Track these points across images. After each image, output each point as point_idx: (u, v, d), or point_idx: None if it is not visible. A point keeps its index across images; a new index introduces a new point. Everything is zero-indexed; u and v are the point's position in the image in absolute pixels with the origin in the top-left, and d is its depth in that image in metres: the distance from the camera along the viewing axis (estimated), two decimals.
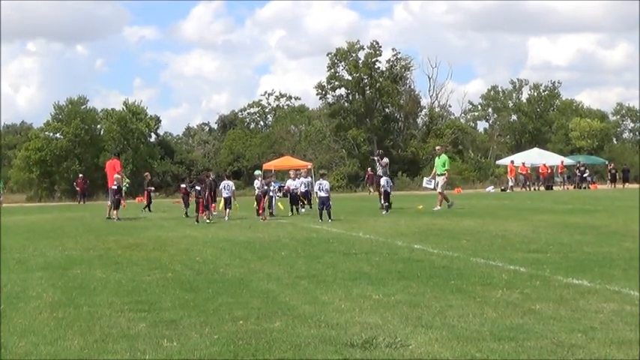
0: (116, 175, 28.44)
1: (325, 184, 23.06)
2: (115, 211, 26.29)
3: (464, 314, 7.44)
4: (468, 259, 11.70)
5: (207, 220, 23.09)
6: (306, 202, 28.54)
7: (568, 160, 66.47)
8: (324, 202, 22.34)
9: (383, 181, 26.70)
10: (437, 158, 27.97)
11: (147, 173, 39.92)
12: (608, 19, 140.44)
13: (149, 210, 33.16)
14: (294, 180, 29.27)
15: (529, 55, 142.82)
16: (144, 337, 6.83)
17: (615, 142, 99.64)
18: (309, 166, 62.32)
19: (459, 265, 11.15)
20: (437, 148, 30.33)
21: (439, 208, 26.21)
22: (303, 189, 28.48)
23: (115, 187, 27.05)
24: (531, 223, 18.93)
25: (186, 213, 26.88)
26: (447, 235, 16.22)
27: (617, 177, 61.14)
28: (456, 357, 5.95)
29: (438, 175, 27.36)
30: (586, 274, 9.77)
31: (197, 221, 22.67)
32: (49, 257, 13.77)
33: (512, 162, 57.94)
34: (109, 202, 26.76)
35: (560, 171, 61.21)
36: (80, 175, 57.13)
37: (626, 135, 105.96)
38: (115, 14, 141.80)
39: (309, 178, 30.84)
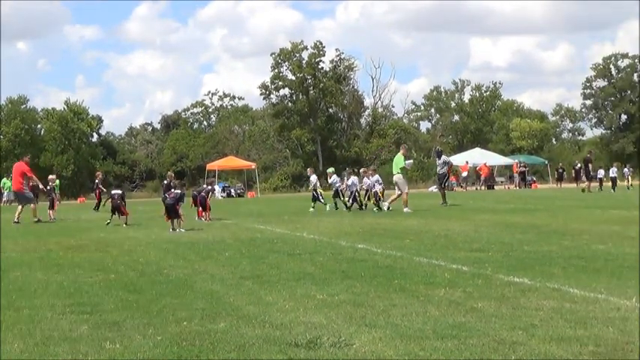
0: (51, 176, 28.20)
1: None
2: (50, 211, 26.22)
3: (407, 313, 7.49)
4: (411, 259, 11.78)
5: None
6: None
7: (508, 160, 67.37)
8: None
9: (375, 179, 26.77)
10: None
11: (98, 172, 39.50)
12: (549, 20, 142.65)
13: (97, 209, 32.91)
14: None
15: (471, 55, 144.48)
16: (86, 340, 6.75)
17: (554, 142, 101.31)
18: (253, 166, 62.35)
19: (403, 264, 11.22)
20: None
21: (387, 204, 26.03)
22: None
23: (49, 188, 26.85)
24: (473, 222, 19.14)
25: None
26: (391, 234, 16.32)
27: (564, 176, 62.00)
28: (399, 355, 5.99)
29: (395, 174, 26.87)
30: (527, 272, 9.90)
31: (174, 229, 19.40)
32: None
33: (466, 162, 58.61)
34: (20, 207, 25.58)
35: (515, 171, 61.76)
36: None
37: (564, 135, 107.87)
38: (55, 13, 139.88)
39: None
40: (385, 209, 25.45)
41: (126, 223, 22.30)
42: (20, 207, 25.60)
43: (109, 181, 64.83)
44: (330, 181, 28.95)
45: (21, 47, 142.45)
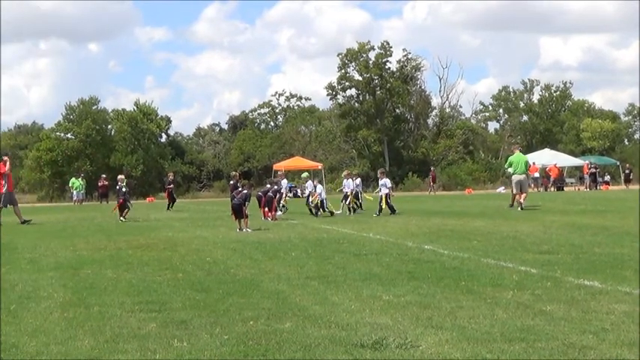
0: (120, 176, 28.62)
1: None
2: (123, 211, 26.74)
3: (474, 315, 7.42)
4: (478, 260, 11.68)
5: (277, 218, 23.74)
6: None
7: (578, 161, 66.25)
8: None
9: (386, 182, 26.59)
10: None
11: (170, 172, 39.85)
12: (620, 18, 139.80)
13: (170, 208, 33.35)
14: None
15: (540, 54, 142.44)
16: (154, 337, 6.85)
17: (627, 142, 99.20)
18: (320, 167, 62.53)
19: (470, 265, 11.13)
20: (513, 147, 30.20)
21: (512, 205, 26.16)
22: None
23: (122, 189, 27.32)
24: (542, 223, 18.88)
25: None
26: (458, 235, 16.20)
27: (632, 177, 60.74)
28: (466, 358, 5.94)
29: (520, 174, 27.17)
30: (597, 275, 9.73)
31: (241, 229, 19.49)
32: (60, 257, 13.81)
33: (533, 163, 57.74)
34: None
35: (585, 172, 60.73)
36: (103, 176, 56.04)
37: (637, 135, 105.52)
38: (126, 14, 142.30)
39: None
40: (519, 209, 25.44)
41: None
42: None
43: (178, 181, 65.58)
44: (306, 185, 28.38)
45: (92, 49, 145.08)
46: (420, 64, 78.84)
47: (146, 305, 8.40)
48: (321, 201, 26.39)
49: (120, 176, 29.62)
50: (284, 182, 29.50)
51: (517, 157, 27.63)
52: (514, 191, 27.01)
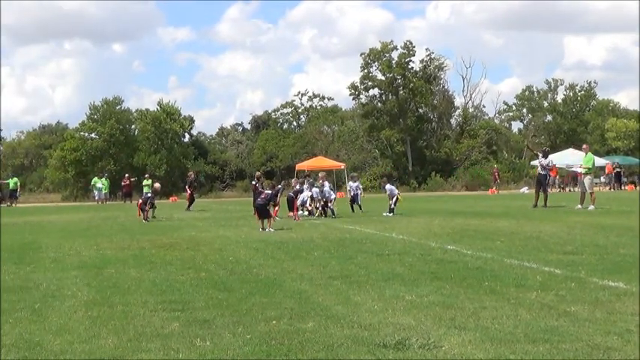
0: (146, 176, 28.77)
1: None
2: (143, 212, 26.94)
3: (498, 316, 7.39)
4: (502, 261, 11.63)
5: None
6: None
7: (603, 161, 65.84)
8: None
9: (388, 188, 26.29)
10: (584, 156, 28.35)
11: (191, 172, 39.82)
12: None
13: (190, 208, 33.29)
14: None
15: (564, 54, 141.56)
16: (177, 337, 6.86)
17: None
18: (342, 167, 62.50)
19: (493, 266, 11.08)
20: (584, 146, 30.20)
21: (593, 207, 25.91)
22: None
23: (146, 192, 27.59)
24: (566, 224, 18.78)
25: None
26: (481, 236, 16.13)
27: None
28: (489, 359, 5.92)
29: (585, 173, 27.55)
30: (622, 276, 9.66)
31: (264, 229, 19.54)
32: (84, 256, 13.88)
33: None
34: None
35: (607, 172, 60.47)
36: (126, 175, 56.16)
37: None
38: (149, 15, 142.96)
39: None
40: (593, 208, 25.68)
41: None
42: None
43: (201, 180, 65.61)
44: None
45: (116, 49, 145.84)
46: (443, 63, 78.75)
47: (169, 304, 8.43)
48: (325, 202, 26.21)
49: (146, 176, 29.81)
50: (327, 184, 29.24)
51: (586, 158, 27.91)
52: (589, 190, 27.05)
